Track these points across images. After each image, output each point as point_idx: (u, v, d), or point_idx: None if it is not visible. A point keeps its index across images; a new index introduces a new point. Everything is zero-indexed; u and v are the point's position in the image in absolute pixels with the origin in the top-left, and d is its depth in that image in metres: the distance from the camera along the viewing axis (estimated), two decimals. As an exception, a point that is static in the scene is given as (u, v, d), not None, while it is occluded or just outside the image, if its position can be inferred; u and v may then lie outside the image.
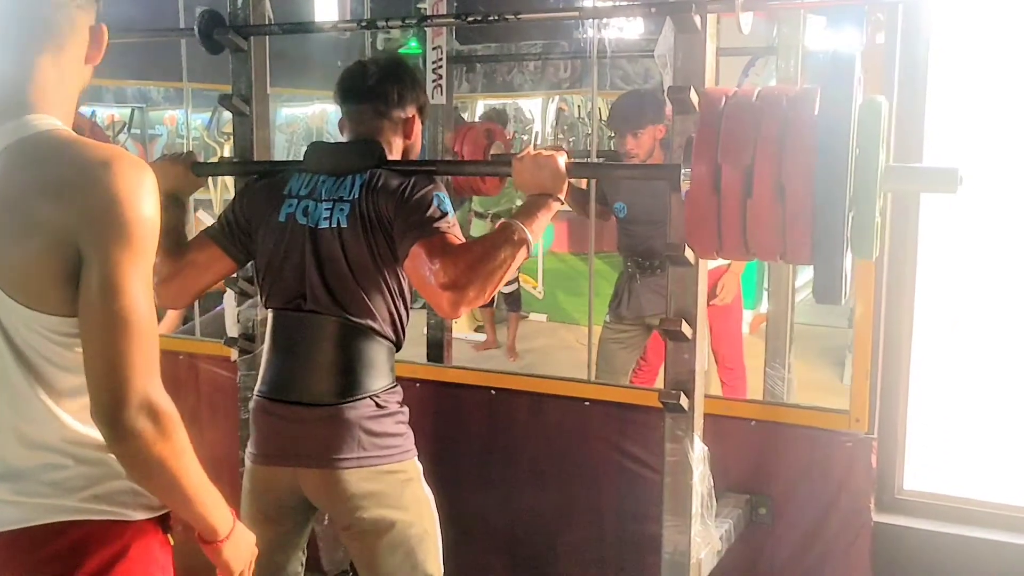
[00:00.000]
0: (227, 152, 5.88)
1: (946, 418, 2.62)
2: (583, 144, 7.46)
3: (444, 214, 1.88)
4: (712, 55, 1.95)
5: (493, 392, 2.86)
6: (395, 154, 2.06)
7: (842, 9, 2.93)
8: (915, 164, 2.21)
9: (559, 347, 5.78)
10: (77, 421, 1.30)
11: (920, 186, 1.89)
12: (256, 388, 2.06)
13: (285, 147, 7.73)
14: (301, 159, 2.07)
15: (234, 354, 2.56)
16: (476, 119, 7.66)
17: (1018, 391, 2.57)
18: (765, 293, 5.84)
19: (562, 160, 1.89)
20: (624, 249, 3.58)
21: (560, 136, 7.83)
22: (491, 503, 2.86)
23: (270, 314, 2.07)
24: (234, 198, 2.19)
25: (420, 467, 2.06)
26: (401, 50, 6.57)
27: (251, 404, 2.07)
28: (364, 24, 2.48)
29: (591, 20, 3.54)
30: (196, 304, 3.15)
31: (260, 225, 2.05)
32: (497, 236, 1.85)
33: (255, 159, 2.46)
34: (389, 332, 1.99)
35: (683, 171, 1.76)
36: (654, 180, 1.88)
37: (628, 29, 5.49)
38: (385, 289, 1.96)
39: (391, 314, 1.98)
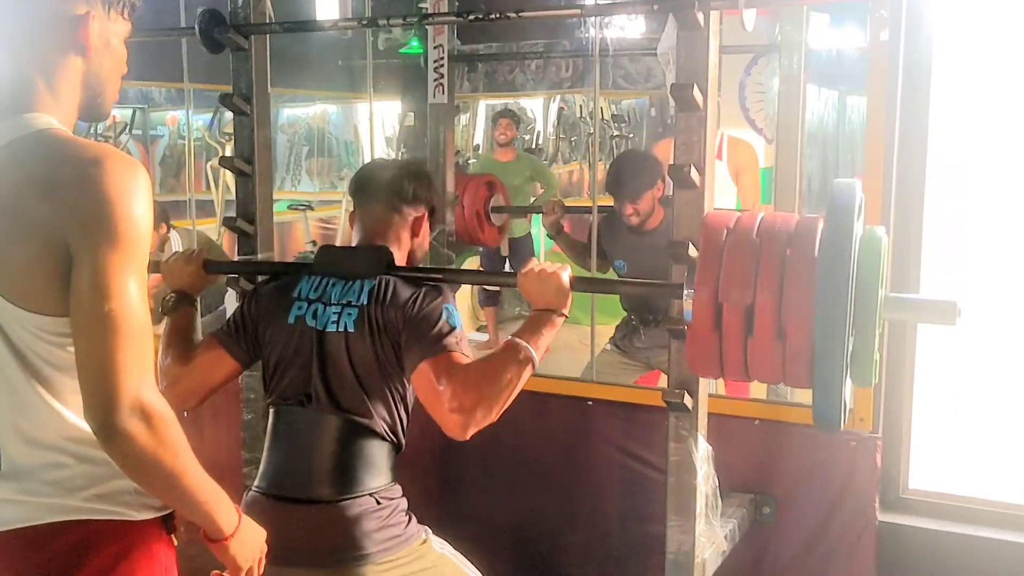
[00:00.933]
0: (228, 152, 5.87)
1: (951, 417, 2.61)
2: (584, 143, 7.45)
3: (452, 328, 1.90)
4: (715, 53, 1.94)
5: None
6: (403, 251, 2.09)
7: (845, 6, 2.92)
8: (913, 296, 2.24)
9: (561, 347, 5.72)
10: (79, 420, 1.28)
11: (919, 317, 1.92)
12: (255, 483, 2.02)
13: (287, 147, 7.72)
14: (311, 261, 2.09)
15: (236, 354, 2.54)
16: (488, 118, 7.68)
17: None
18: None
19: (566, 276, 1.91)
20: (625, 302, 3.59)
21: (562, 136, 7.82)
22: (494, 503, 2.85)
23: (272, 410, 2.06)
24: (243, 301, 2.19)
25: (426, 535, 2.03)
26: (402, 50, 6.56)
27: (247, 497, 2.01)
28: (365, 22, 2.47)
29: (593, 19, 3.53)
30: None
31: (269, 327, 2.05)
32: (504, 356, 1.85)
33: (256, 159, 2.46)
34: (390, 434, 1.98)
35: (686, 292, 1.78)
36: (658, 293, 1.90)
37: (630, 28, 5.48)
38: (388, 394, 1.97)
39: (393, 418, 1.98)
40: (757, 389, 2.96)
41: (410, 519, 2.01)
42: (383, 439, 1.97)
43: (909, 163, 2.39)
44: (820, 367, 1.57)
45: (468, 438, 1.82)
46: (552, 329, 1.90)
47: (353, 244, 2.11)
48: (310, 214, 6.93)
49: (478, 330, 6.23)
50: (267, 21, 2.44)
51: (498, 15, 2.12)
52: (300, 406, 1.99)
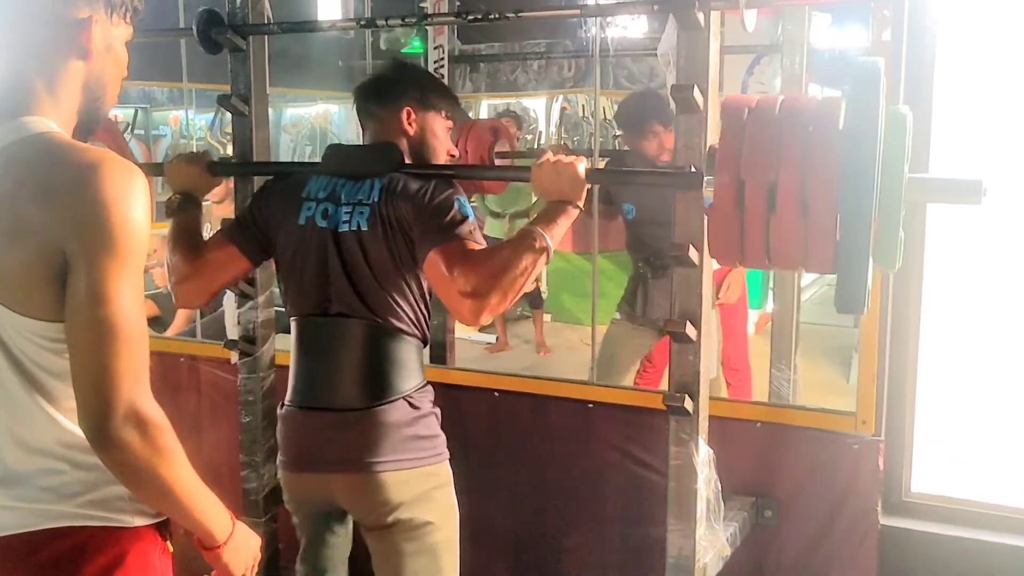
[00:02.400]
0: (229, 152, 5.86)
1: (954, 419, 2.59)
2: (587, 143, 7.44)
3: (464, 218, 1.87)
4: (716, 53, 1.92)
5: (496, 394, 2.83)
6: (405, 148, 2.06)
7: (847, 6, 2.90)
8: (937, 175, 2.18)
9: (564, 347, 5.76)
10: (74, 426, 1.27)
11: (944, 197, 1.86)
12: (286, 397, 2.05)
13: (290, 147, 7.72)
14: (319, 160, 2.07)
15: (234, 357, 2.54)
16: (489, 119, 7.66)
17: (1027, 392, 2.55)
18: (771, 293, 5.84)
19: (582, 166, 1.86)
20: (634, 250, 3.54)
21: (564, 136, 7.81)
22: (494, 506, 2.84)
23: (294, 322, 2.05)
24: (252, 198, 2.20)
25: (451, 472, 2.04)
26: (404, 50, 6.54)
27: (280, 412, 2.05)
28: (363, 23, 2.46)
29: (594, 19, 3.51)
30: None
31: (278, 227, 2.04)
32: (518, 243, 1.83)
33: (255, 160, 2.44)
34: (415, 330, 1.98)
35: (706, 179, 1.74)
36: (675, 187, 1.86)
37: (632, 28, 5.47)
38: (407, 290, 1.96)
39: (416, 313, 1.98)
40: (761, 391, 2.95)
41: (439, 431, 2.02)
42: (409, 336, 1.96)
43: (913, 168, 2.37)
44: (845, 243, 1.50)
45: (480, 323, 1.82)
46: (567, 219, 1.86)
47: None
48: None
49: (481, 330, 6.22)
50: (265, 22, 2.43)
51: (497, 16, 2.10)
52: (322, 316, 1.98)
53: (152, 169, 2.38)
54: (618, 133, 3.88)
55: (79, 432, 1.25)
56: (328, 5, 6.11)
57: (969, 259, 2.59)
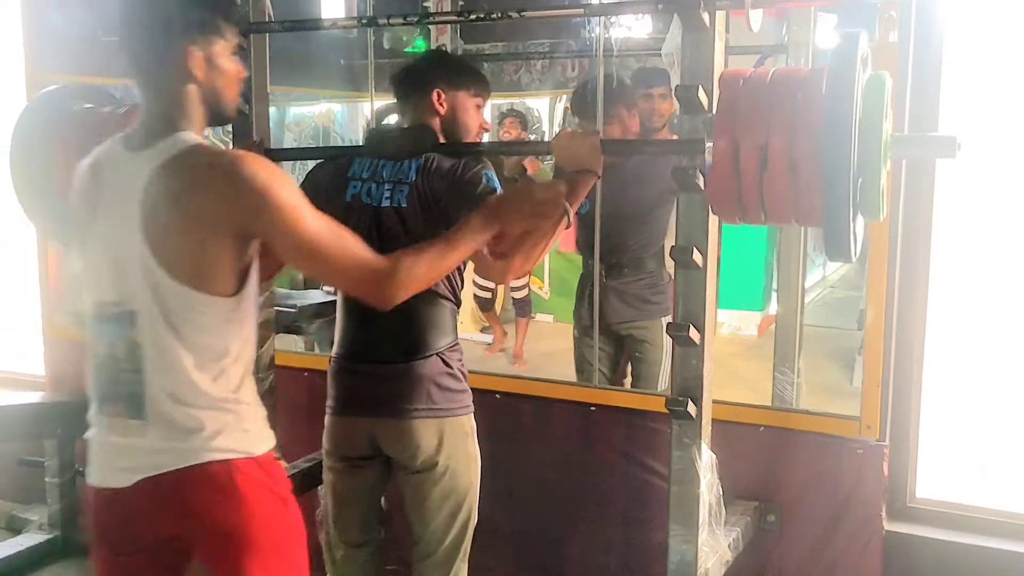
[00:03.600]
0: (232, 151, 5.83)
1: (959, 424, 2.57)
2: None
3: (493, 190, 2.08)
4: (720, 53, 1.90)
5: (498, 396, 2.82)
6: (438, 129, 2.21)
7: (854, 7, 2.88)
8: (915, 134, 2.31)
9: (566, 349, 5.71)
10: (212, 386, 1.58)
11: (923, 152, 2.06)
12: (333, 351, 2.26)
13: (293, 145, 7.71)
14: (362, 144, 2.28)
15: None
16: (494, 117, 7.63)
17: (1033, 397, 2.52)
18: (773, 295, 5.81)
19: (596, 139, 2.01)
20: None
21: (567, 135, 7.79)
22: (496, 509, 2.82)
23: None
24: (302, 182, 2.29)
25: (475, 424, 2.25)
26: (407, 49, 6.52)
27: (330, 365, 2.26)
28: (365, 21, 2.44)
29: (598, 18, 3.49)
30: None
31: (328, 203, 2.04)
32: None
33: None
34: (449, 294, 2.19)
35: (706, 145, 1.81)
36: (679, 148, 1.99)
37: (636, 28, 5.44)
38: None
39: (452, 280, 2.18)
40: (764, 394, 2.93)
41: (466, 386, 2.23)
42: (444, 300, 2.18)
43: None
44: (828, 194, 1.65)
45: (509, 281, 2.00)
46: (586, 187, 1.99)
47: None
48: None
49: (482, 331, 6.21)
50: (266, 19, 2.41)
51: (500, 15, 2.09)
52: None
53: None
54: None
55: (217, 390, 1.58)
56: (331, 4, 6.10)
57: (976, 264, 2.57)
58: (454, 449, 2.20)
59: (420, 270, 1.68)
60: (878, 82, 1.70)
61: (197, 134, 1.62)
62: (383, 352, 2.17)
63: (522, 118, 6.08)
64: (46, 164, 2.04)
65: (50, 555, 3.44)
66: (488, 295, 5.72)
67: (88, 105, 2.13)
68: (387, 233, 2.11)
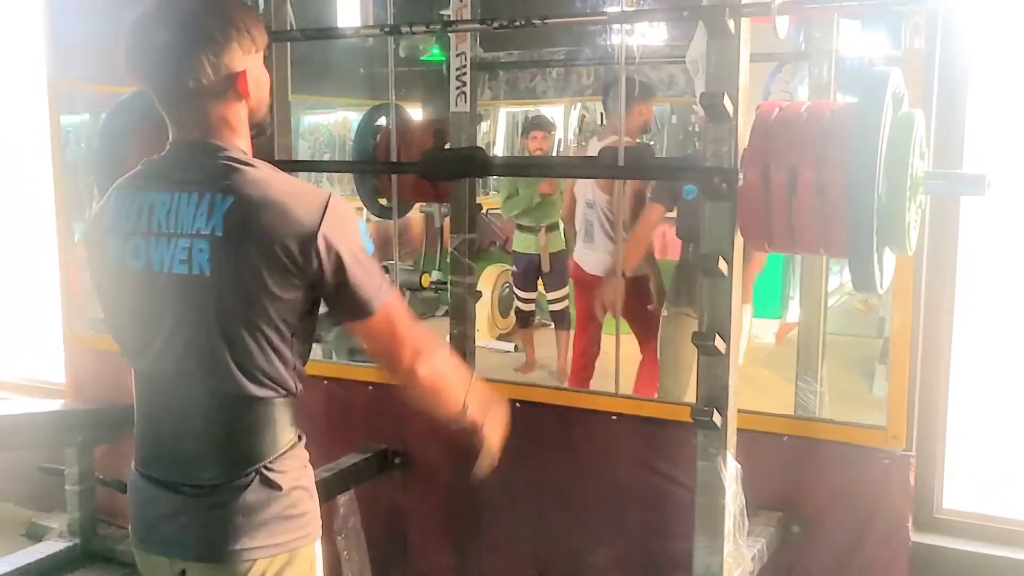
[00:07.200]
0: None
1: (988, 433, 2.55)
2: (606, 151, 7.39)
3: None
4: (746, 61, 1.89)
5: (518, 405, 2.78)
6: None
7: (878, 13, 2.86)
8: (948, 170, 2.29)
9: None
10: None
11: (952, 190, 2.06)
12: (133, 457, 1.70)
13: (308, 154, 7.73)
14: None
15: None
16: (508, 125, 7.62)
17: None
18: (790, 302, 5.77)
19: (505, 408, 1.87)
20: (687, 232, 3.47)
21: (583, 143, 7.79)
22: (516, 519, 2.81)
23: None
24: None
25: (319, 552, 1.66)
26: (423, 57, 6.53)
27: (129, 477, 1.70)
28: (387, 29, 2.43)
29: (617, 26, 3.47)
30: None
31: None
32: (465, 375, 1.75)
33: (277, 167, 2.43)
34: (276, 384, 1.58)
35: (739, 174, 1.87)
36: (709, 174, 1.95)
37: (651, 35, 5.44)
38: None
39: (282, 359, 1.58)
40: (786, 403, 2.90)
41: (310, 509, 1.64)
42: (270, 392, 1.57)
43: (946, 166, 2.33)
44: (853, 228, 1.71)
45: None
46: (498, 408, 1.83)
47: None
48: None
49: (498, 339, 6.18)
50: (288, 28, 2.41)
51: (523, 22, 2.08)
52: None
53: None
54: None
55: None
56: (348, 13, 6.11)
57: (1005, 270, 2.54)
58: None
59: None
60: (907, 120, 1.76)
61: (246, 146, 1.58)
62: (190, 468, 1.58)
63: (550, 129, 5.64)
64: (124, 164, 1.96)
65: (70, 563, 3.44)
66: (531, 308, 5.46)
67: None
68: None
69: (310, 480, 1.65)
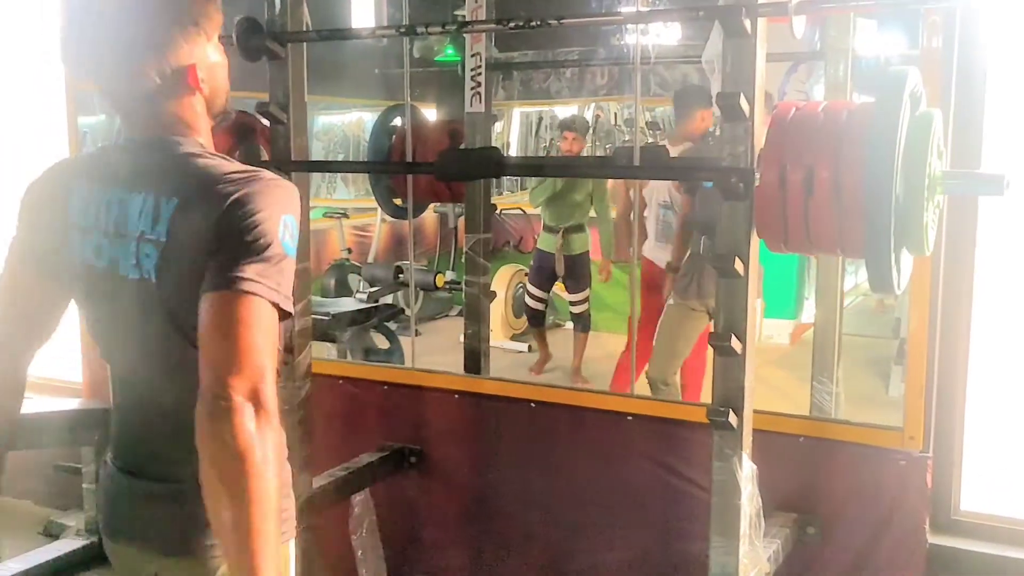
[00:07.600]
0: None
1: (1006, 434, 2.52)
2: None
3: None
4: (763, 61, 1.88)
5: (533, 405, 2.80)
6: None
7: (895, 12, 2.85)
8: (966, 170, 2.29)
9: (601, 357, 5.66)
10: None
11: (970, 189, 2.05)
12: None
13: (323, 155, 7.76)
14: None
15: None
16: (522, 124, 7.61)
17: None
18: (806, 303, 5.75)
19: None
20: (700, 221, 3.63)
21: (597, 143, 7.78)
22: (530, 519, 2.81)
23: None
24: None
25: (293, 551, 1.59)
26: (438, 58, 6.54)
27: (102, 469, 1.66)
28: (403, 30, 2.44)
29: (632, 26, 3.47)
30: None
31: None
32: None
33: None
34: None
35: (756, 174, 1.87)
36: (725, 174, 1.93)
37: (665, 35, 5.43)
38: None
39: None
40: (802, 404, 2.89)
41: (287, 503, 1.54)
42: None
43: (964, 165, 2.32)
44: (869, 229, 1.71)
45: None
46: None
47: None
48: (345, 222, 6.95)
49: (512, 339, 6.18)
50: (305, 29, 2.41)
51: (539, 22, 2.07)
52: None
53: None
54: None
55: None
56: (362, 13, 6.13)
57: (1022, 268, 2.52)
58: None
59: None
60: (924, 120, 1.76)
61: (207, 139, 1.48)
62: (162, 464, 1.52)
63: (582, 130, 5.42)
64: None
65: (86, 561, 3.46)
66: (541, 307, 5.41)
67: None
68: None
69: (286, 477, 1.53)
